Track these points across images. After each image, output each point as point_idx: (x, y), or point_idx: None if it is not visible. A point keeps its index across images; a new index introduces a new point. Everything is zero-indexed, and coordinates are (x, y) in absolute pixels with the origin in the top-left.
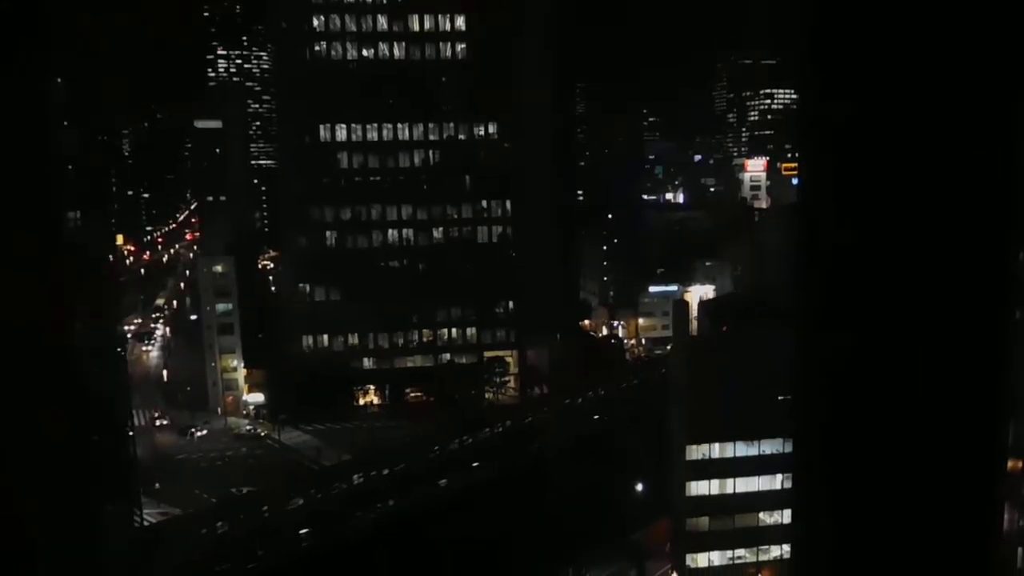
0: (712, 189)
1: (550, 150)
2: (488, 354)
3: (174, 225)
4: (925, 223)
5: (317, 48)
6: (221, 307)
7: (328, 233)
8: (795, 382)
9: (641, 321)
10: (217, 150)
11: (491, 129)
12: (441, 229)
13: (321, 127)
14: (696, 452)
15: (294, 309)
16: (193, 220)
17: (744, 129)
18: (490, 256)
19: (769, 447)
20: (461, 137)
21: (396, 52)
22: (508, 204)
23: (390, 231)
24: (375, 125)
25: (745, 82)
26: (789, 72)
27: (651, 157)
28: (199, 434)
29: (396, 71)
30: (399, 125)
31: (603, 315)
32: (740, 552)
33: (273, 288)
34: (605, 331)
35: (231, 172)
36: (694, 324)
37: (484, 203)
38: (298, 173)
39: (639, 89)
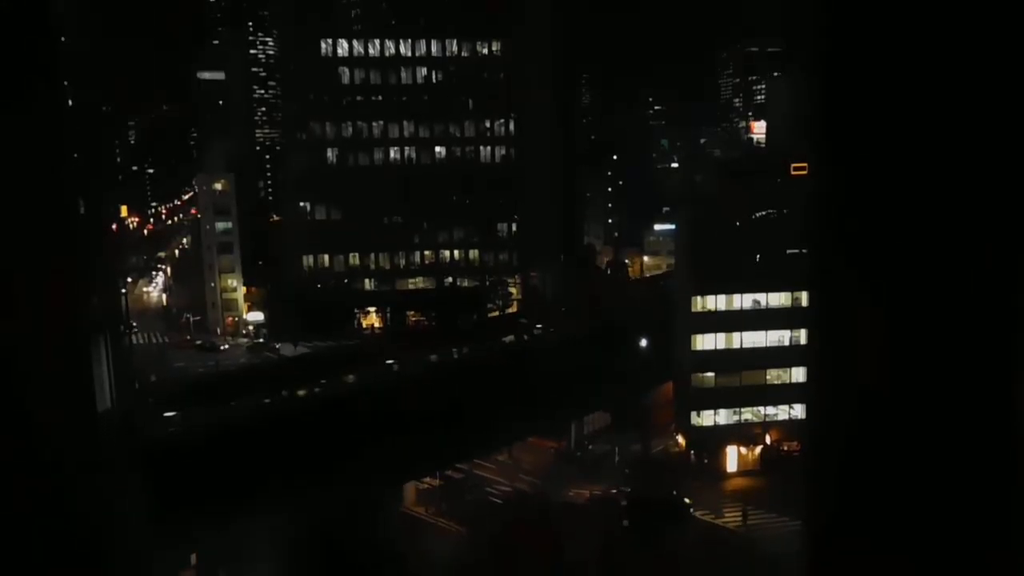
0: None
1: (555, 70)
2: (490, 278)
3: (179, 203)
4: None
5: None
6: (221, 225)
7: (329, 151)
8: (809, 235)
9: (646, 259)
10: (220, 102)
11: (495, 47)
12: (443, 148)
13: (322, 42)
14: (700, 304)
15: (294, 228)
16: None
17: (750, 113)
18: (493, 176)
19: (776, 300)
20: (464, 55)
21: None
22: (511, 124)
23: (391, 149)
24: (376, 41)
25: (751, 68)
26: (796, 58)
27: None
28: (223, 348)
29: None
30: (401, 41)
31: (608, 254)
32: (747, 416)
33: (275, 216)
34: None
35: (232, 120)
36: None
37: (487, 122)
38: (298, 89)
39: (644, 74)
